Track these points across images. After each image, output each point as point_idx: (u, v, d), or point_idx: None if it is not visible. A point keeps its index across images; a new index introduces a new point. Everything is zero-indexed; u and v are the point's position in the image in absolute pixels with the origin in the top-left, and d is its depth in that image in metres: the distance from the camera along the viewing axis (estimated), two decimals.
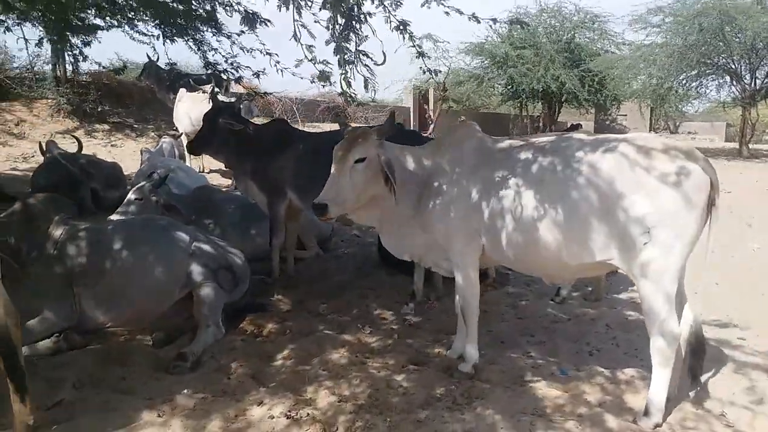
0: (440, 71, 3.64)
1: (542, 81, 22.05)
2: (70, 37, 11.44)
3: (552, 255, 3.01)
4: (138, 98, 14.49)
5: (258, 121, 15.11)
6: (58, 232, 3.89)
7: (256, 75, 5.61)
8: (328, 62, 3.31)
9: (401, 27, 3.32)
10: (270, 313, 4.34)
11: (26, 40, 10.30)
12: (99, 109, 12.77)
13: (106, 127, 12.83)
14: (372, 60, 3.54)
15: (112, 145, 11.64)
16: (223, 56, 5.91)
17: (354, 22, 3.20)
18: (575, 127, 26.00)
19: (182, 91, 10.70)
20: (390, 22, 3.35)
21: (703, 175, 2.77)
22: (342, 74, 3.50)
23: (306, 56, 3.31)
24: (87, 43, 7.70)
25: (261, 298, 4.61)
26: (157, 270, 3.86)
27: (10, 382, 2.63)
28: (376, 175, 3.27)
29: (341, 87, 3.60)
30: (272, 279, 5.01)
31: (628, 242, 2.80)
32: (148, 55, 13.58)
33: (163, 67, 13.74)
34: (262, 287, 4.85)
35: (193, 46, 6.08)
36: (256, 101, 17.13)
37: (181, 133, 9.83)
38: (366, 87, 3.69)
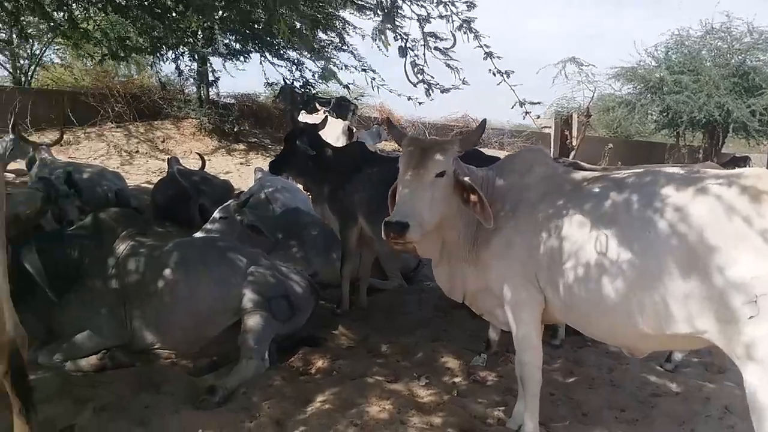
0: (512, 72, 3.07)
1: (704, 109, 19.85)
2: (210, 62, 12.26)
3: (625, 320, 2.36)
4: (276, 120, 15.20)
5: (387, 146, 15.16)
6: (121, 247, 3.90)
7: (346, 87, 5.48)
8: (331, 58, 2.94)
9: (464, 26, 2.85)
10: (325, 349, 4.01)
11: (178, 67, 11.13)
12: (236, 129, 13.53)
13: (243, 146, 13.54)
14: (440, 40, 3.06)
15: (241, 164, 12.21)
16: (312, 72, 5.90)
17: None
18: (741, 160, 23.07)
19: (302, 114, 10.92)
20: (452, 22, 2.89)
21: None
22: (411, 61, 3.05)
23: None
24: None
25: (323, 330, 4.31)
26: (208, 293, 3.72)
27: (16, 398, 2.53)
28: (452, 194, 2.78)
29: (407, 77, 3.16)
30: (341, 310, 4.70)
31: (727, 313, 2.09)
32: (284, 78, 14.25)
33: (297, 89, 14.34)
34: (329, 318, 4.56)
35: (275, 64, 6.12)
36: (385, 125, 17.31)
37: None
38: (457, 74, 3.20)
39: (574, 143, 20.60)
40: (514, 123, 21.68)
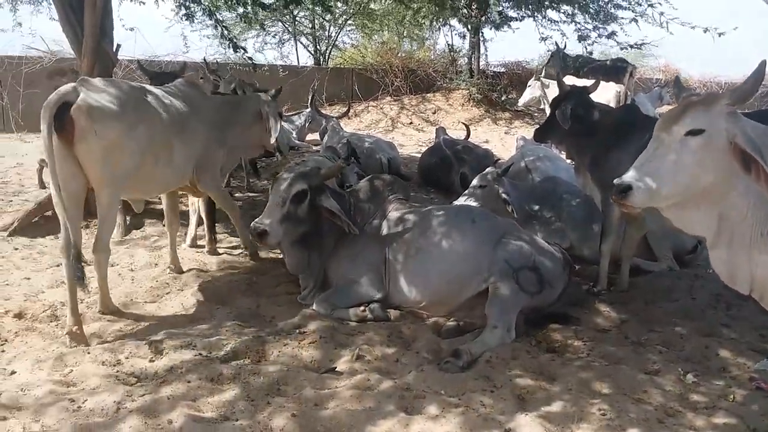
0: None
1: None
2: (483, 30, 12.37)
3: None
4: None
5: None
6: (387, 210, 4.20)
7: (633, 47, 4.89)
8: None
9: None
10: (576, 328, 3.77)
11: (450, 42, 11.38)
12: (503, 98, 13.48)
13: (508, 115, 13.45)
14: None
15: (505, 133, 12.13)
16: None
17: None
18: None
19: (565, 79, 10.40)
20: None
21: None
22: None
23: None
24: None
25: (576, 309, 4.06)
26: (459, 259, 3.80)
27: None
28: (718, 159, 2.29)
29: None
30: (598, 289, 4.35)
31: None
32: (556, 43, 13.70)
33: (569, 55, 13.66)
34: (583, 297, 4.28)
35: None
36: (669, 87, 15.44)
37: None
38: None
39: None
40: None
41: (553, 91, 10.29)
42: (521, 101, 11.17)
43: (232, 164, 5.06)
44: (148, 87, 4.23)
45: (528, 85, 10.97)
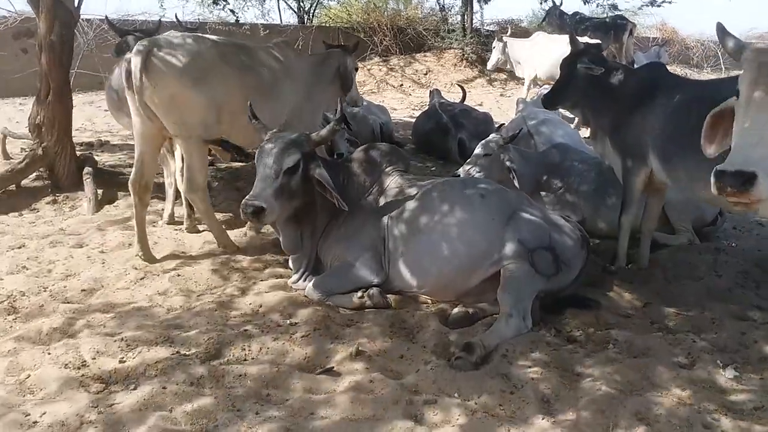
0: None
1: None
2: None
3: None
4: None
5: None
6: (385, 183, 3.77)
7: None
8: None
9: None
10: (597, 313, 3.41)
11: None
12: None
13: (504, 76, 12.93)
14: None
15: (501, 95, 11.64)
16: None
17: None
18: None
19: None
20: None
21: None
22: None
23: None
24: None
25: (593, 290, 3.70)
26: (467, 239, 3.40)
27: None
28: None
29: None
30: (616, 267, 3.99)
31: None
32: (553, 0, 13.14)
33: (566, 12, 13.11)
34: (600, 276, 3.91)
35: None
36: (668, 46, 15.00)
37: None
38: None
39: None
40: None
41: (514, 46, 10.04)
42: (489, 64, 10.81)
43: (316, 121, 4.86)
44: (242, 45, 4.38)
45: (492, 47, 10.64)
